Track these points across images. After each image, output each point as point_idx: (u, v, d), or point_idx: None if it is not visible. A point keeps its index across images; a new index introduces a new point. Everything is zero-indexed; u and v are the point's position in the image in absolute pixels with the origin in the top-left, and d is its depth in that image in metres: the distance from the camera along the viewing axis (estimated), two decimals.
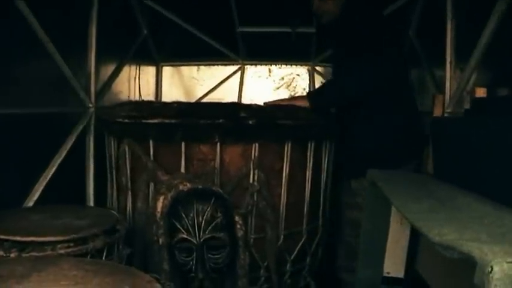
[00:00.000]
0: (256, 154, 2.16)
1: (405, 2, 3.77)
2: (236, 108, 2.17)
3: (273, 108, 2.26)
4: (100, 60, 3.34)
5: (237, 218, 2.04)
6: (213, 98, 4.67)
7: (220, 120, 2.10)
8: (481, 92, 2.38)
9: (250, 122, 2.12)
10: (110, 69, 3.65)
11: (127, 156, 2.31)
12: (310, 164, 2.35)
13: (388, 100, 2.60)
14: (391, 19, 3.62)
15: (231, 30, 4.13)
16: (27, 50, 2.58)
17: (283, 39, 3.89)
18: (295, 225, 2.34)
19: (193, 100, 4.69)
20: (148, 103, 2.43)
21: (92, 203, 3.20)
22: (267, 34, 4.08)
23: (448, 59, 2.98)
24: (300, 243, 2.41)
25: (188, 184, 1.99)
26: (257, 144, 2.16)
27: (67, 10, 2.94)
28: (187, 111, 2.17)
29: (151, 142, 2.21)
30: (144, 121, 2.19)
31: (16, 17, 2.41)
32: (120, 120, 2.30)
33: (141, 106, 2.31)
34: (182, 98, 4.72)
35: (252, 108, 2.21)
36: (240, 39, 4.34)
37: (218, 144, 2.13)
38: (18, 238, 1.67)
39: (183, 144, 2.15)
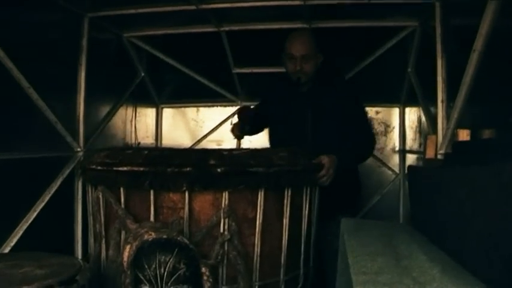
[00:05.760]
0: (226, 202, 2.08)
1: (401, 38, 3.74)
2: (205, 155, 2.10)
3: (244, 155, 2.19)
4: (92, 104, 3.36)
5: (203, 269, 1.95)
6: (213, 139, 4.67)
7: (188, 169, 2.04)
8: (464, 135, 2.30)
9: (219, 170, 2.05)
10: (103, 112, 3.66)
11: (101, 203, 2.27)
12: (287, 212, 2.25)
13: None
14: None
15: (228, 72, 4.12)
16: (9, 95, 2.61)
17: None
18: (271, 276, 2.22)
19: (193, 141, 4.68)
20: (121, 150, 2.38)
21: (79, 249, 3.17)
22: (263, 74, 4.06)
23: (440, 98, 2.87)
24: None
25: (153, 234, 1.93)
26: (227, 193, 2.08)
27: (53, 55, 2.97)
28: (155, 159, 2.12)
29: (122, 190, 2.16)
30: (115, 168, 2.16)
31: None
32: (94, 167, 2.28)
33: (114, 153, 2.27)
34: (183, 140, 4.74)
35: (222, 155, 2.13)
36: (237, 81, 4.32)
37: (186, 192, 2.06)
38: None
39: (152, 192, 2.09)
